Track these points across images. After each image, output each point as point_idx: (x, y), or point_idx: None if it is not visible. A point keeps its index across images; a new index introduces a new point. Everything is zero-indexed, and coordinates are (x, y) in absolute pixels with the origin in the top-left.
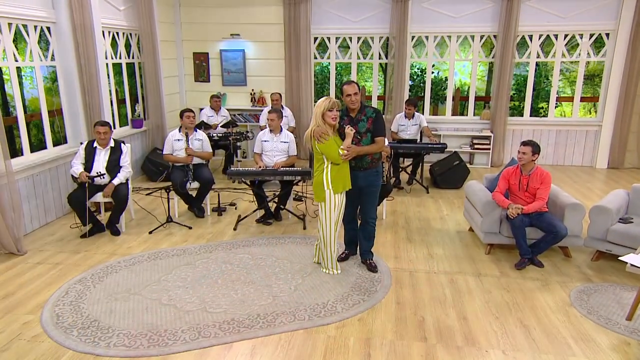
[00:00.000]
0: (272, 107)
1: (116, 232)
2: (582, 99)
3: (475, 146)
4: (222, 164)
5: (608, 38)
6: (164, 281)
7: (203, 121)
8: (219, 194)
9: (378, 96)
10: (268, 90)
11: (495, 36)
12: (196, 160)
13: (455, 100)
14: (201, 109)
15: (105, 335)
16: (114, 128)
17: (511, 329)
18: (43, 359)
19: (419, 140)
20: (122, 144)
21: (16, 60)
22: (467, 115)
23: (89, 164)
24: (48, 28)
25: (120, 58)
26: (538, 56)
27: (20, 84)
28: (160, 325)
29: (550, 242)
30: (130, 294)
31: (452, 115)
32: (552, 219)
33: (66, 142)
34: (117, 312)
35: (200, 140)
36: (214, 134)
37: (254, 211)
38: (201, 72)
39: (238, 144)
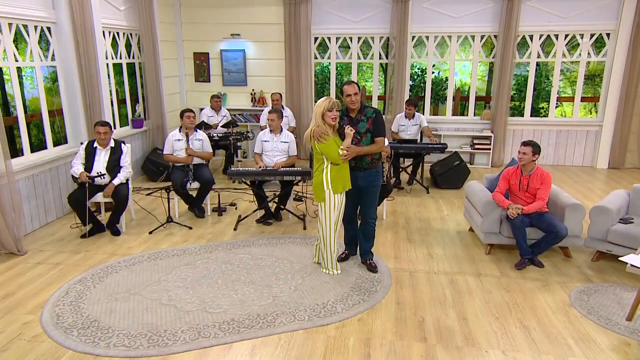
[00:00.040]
0: (272, 107)
1: (116, 232)
2: (583, 99)
3: (476, 146)
4: (222, 164)
5: (609, 38)
6: (164, 281)
7: (203, 121)
8: (219, 194)
9: (378, 96)
10: (268, 90)
11: (495, 36)
12: (196, 161)
13: (456, 100)
14: (201, 109)
15: (105, 336)
16: (115, 128)
17: (511, 329)
18: (43, 359)
19: (419, 141)
20: (122, 144)
21: (16, 60)
22: (467, 115)
23: (89, 164)
24: (48, 28)
25: (120, 58)
26: (538, 56)
27: (21, 84)
28: (160, 326)
29: (551, 243)
30: (131, 294)
31: (453, 115)
32: (552, 219)
33: (66, 142)
34: (117, 312)
35: (201, 141)
36: (214, 134)
37: (254, 211)
38: (201, 72)
39: (238, 144)
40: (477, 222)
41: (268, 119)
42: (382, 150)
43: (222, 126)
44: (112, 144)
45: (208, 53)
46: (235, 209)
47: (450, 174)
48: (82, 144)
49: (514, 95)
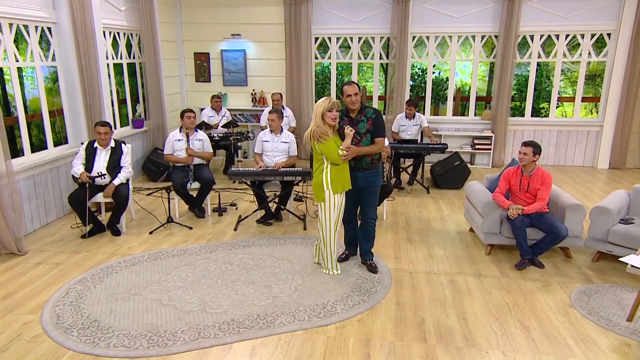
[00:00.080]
0: (272, 108)
1: (117, 233)
2: (584, 99)
3: (476, 146)
4: (222, 164)
5: (609, 38)
6: (164, 281)
7: (204, 121)
8: (219, 194)
9: (379, 96)
10: (269, 90)
11: (496, 36)
12: (197, 161)
13: (456, 100)
14: (202, 109)
15: (105, 336)
16: (115, 128)
17: (511, 329)
18: (43, 359)
19: (419, 141)
20: (123, 144)
21: (17, 61)
22: (468, 115)
23: (89, 164)
24: (49, 28)
25: (121, 58)
26: (539, 56)
27: (21, 84)
28: (160, 326)
29: (551, 243)
30: (131, 294)
31: (453, 115)
32: (552, 220)
33: (67, 143)
34: (117, 313)
35: (201, 141)
36: (214, 134)
37: (255, 211)
38: (202, 72)
39: (239, 144)
40: (478, 223)
41: (268, 119)
42: (381, 150)
43: (222, 126)
44: (112, 144)
45: (208, 53)
46: (236, 209)
47: (451, 174)
48: (82, 144)
49: (515, 95)
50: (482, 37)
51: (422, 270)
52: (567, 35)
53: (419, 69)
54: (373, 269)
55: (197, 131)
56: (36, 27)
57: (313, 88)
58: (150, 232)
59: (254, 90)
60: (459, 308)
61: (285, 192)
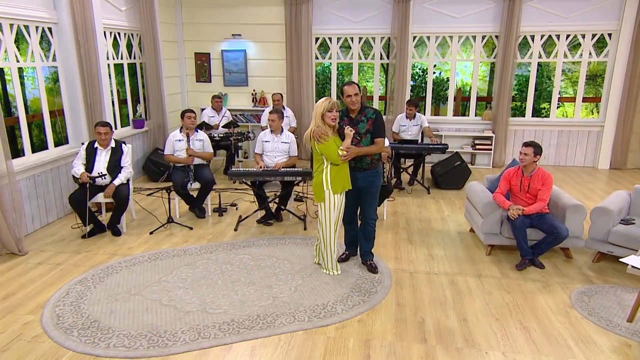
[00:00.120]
0: (273, 108)
1: (117, 233)
2: (584, 100)
3: (477, 147)
4: (223, 164)
5: (610, 38)
6: (164, 282)
7: (204, 121)
8: (219, 195)
9: (379, 96)
10: (269, 90)
11: (497, 36)
12: (197, 161)
13: (457, 100)
14: (202, 109)
15: (105, 336)
16: (116, 128)
17: (511, 330)
18: (43, 359)
19: (420, 141)
20: (123, 145)
21: (18, 61)
22: (468, 115)
23: (89, 164)
24: (49, 29)
25: (121, 58)
26: (540, 56)
27: (22, 84)
28: (160, 326)
29: (551, 244)
30: (131, 294)
31: (454, 115)
32: (553, 220)
33: (67, 143)
34: (117, 313)
35: (201, 141)
36: (215, 135)
37: (255, 212)
38: (202, 72)
39: (239, 144)
40: (478, 223)
41: (269, 120)
42: (381, 151)
43: (223, 126)
44: (112, 144)
45: (209, 53)
46: (236, 209)
47: (451, 175)
48: (83, 144)
49: (515, 95)
50: (483, 37)
51: (422, 270)
52: (568, 36)
53: (419, 69)
54: (373, 269)
55: (197, 131)
56: (37, 28)
57: (313, 88)
58: (151, 233)
59: (254, 90)
60: (459, 308)
61: (285, 192)
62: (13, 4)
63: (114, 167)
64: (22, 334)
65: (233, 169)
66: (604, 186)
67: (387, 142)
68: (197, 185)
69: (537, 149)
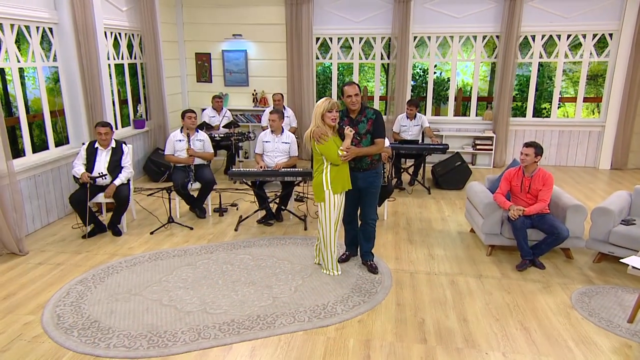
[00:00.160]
0: (273, 108)
1: (118, 233)
2: (585, 100)
3: (478, 147)
4: (223, 164)
5: (611, 38)
6: (164, 282)
7: (205, 122)
8: (220, 195)
9: (380, 96)
10: (270, 90)
11: (497, 36)
12: (198, 161)
13: (458, 100)
14: (203, 110)
15: (105, 336)
16: (116, 128)
17: (512, 331)
18: (43, 359)
19: (420, 141)
20: (123, 145)
21: (18, 61)
22: (469, 115)
23: (90, 164)
24: (50, 29)
25: (122, 58)
26: (541, 56)
27: (23, 84)
28: (161, 326)
29: (552, 244)
30: (131, 294)
31: (454, 115)
32: (553, 221)
33: (68, 143)
34: (117, 313)
35: (202, 141)
36: (215, 135)
37: (255, 212)
38: (203, 72)
39: (240, 144)
40: (478, 223)
41: (269, 120)
42: (381, 151)
43: (223, 126)
44: (113, 144)
45: (210, 53)
46: (237, 209)
47: (452, 175)
48: (83, 144)
49: (516, 95)
50: (484, 37)
51: (422, 270)
52: (569, 36)
53: (420, 69)
54: (373, 269)
55: (198, 131)
56: (37, 28)
57: (314, 88)
58: (151, 233)
59: (255, 90)
60: (459, 309)
61: (286, 192)
62: (14, 4)
63: (115, 167)
64: (22, 334)
65: (233, 169)
66: (605, 186)
67: (387, 143)
68: (197, 185)
69: (538, 150)
